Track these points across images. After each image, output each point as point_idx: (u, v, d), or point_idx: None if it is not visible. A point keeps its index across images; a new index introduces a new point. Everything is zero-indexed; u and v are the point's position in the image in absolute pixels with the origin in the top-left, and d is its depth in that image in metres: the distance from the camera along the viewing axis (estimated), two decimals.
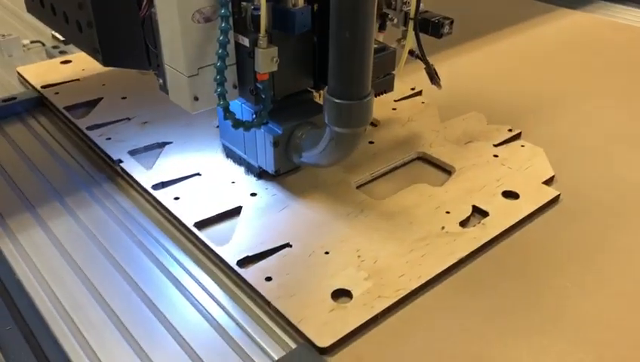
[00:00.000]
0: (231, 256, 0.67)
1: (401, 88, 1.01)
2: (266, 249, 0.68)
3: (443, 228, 0.71)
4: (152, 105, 0.95)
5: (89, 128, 0.90)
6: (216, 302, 0.63)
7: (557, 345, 0.58)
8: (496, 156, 0.84)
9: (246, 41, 0.66)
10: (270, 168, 0.77)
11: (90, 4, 0.68)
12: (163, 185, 0.78)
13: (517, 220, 0.72)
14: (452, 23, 0.79)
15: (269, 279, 0.64)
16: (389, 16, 0.79)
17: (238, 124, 0.70)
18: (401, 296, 0.62)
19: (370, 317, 0.60)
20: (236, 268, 0.65)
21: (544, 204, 0.75)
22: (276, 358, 0.57)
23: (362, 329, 0.59)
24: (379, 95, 0.80)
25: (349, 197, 0.76)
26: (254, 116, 0.72)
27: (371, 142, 0.87)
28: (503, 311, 0.62)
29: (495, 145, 0.86)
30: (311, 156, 0.74)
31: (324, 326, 0.58)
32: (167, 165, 0.82)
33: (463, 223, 0.72)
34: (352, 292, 0.62)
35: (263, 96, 0.69)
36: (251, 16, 0.65)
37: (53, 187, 0.81)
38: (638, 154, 0.87)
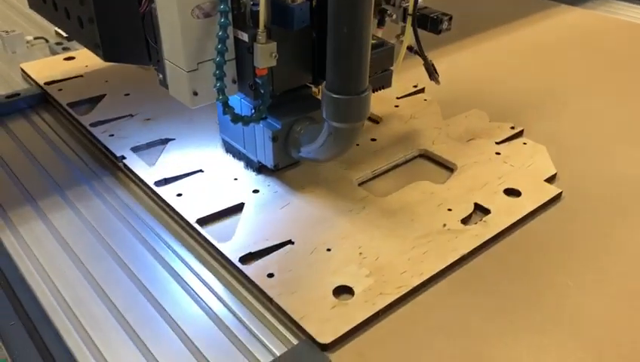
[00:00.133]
0: (233, 252, 0.67)
1: (404, 85, 1.01)
2: (268, 246, 0.68)
3: (445, 225, 0.71)
4: (155, 101, 0.95)
5: (92, 125, 0.91)
6: (218, 298, 0.64)
7: (558, 344, 0.58)
8: (498, 154, 0.84)
9: (245, 37, 0.66)
10: (269, 163, 0.77)
11: (92, 0, 0.69)
12: (165, 181, 0.79)
13: (519, 218, 0.72)
14: (451, 19, 0.79)
15: (271, 276, 0.64)
16: (388, 12, 0.79)
17: (236, 118, 0.70)
18: (403, 292, 0.62)
19: (371, 314, 0.60)
20: (238, 264, 0.65)
21: (546, 202, 0.75)
22: (278, 354, 0.57)
23: (364, 325, 0.59)
24: (377, 90, 0.80)
25: (351, 194, 0.76)
26: (253, 111, 0.73)
27: (373, 140, 0.87)
28: (504, 309, 0.62)
29: (497, 143, 0.86)
30: (309, 151, 0.74)
31: (325, 322, 0.59)
32: (169, 162, 0.82)
33: (465, 221, 0.72)
34: (354, 289, 0.62)
35: (262, 92, 0.70)
36: (250, 12, 0.66)
37: (57, 183, 0.81)
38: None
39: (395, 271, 0.64)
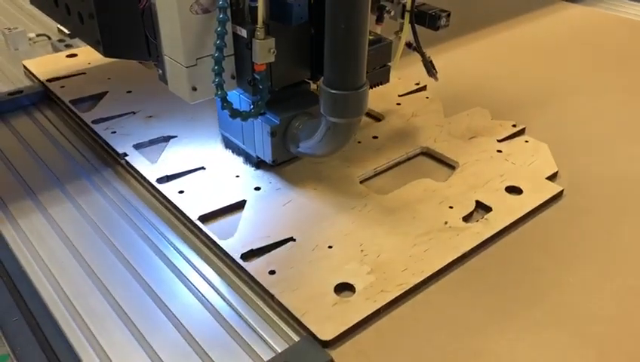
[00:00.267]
0: (235, 249, 0.67)
1: (406, 83, 1.01)
2: (270, 243, 0.68)
3: (446, 223, 0.71)
4: (157, 99, 0.95)
5: (94, 122, 0.91)
6: (219, 294, 0.64)
7: (559, 341, 0.58)
8: (500, 151, 0.84)
9: (244, 32, 0.66)
10: (268, 158, 0.78)
11: None
12: (168, 178, 0.79)
13: (520, 216, 0.72)
14: (449, 15, 0.80)
15: (272, 272, 0.64)
16: (387, 8, 0.79)
17: (235, 114, 0.70)
18: (404, 290, 0.62)
19: (372, 311, 0.60)
20: (240, 261, 0.66)
21: (548, 200, 0.75)
22: (279, 351, 0.57)
23: (365, 322, 0.60)
24: (375, 86, 0.80)
25: (353, 191, 0.76)
26: (252, 106, 0.73)
27: (375, 137, 0.87)
28: (506, 307, 0.62)
29: (499, 141, 0.86)
30: (308, 146, 0.74)
31: (327, 319, 0.59)
32: (171, 159, 0.82)
33: (466, 218, 0.72)
34: (355, 286, 0.62)
35: (261, 87, 0.70)
36: (249, 8, 0.66)
37: (59, 180, 0.81)
38: None
39: (396, 269, 0.64)
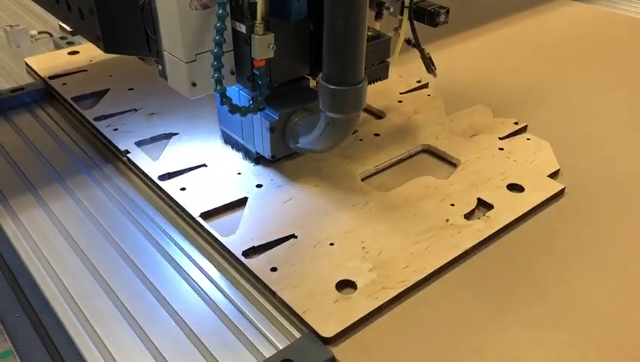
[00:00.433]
0: (236, 246, 0.67)
1: (407, 81, 1.01)
2: (272, 240, 0.68)
3: (447, 220, 0.71)
4: (159, 96, 0.95)
5: (96, 119, 0.91)
6: (221, 291, 0.64)
7: (560, 338, 0.58)
8: (501, 149, 0.84)
9: (243, 28, 0.67)
10: (267, 153, 0.78)
11: None
12: (169, 175, 0.79)
13: (522, 213, 0.72)
14: (448, 11, 0.80)
15: (274, 269, 0.64)
16: (386, 4, 0.79)
17: (234, 109, 0.70)
18: (405, 287, 0.62)
19: (374, 308, 0.60)
20: (242, 258, 0.66)
21: (549, 198, 0.75)
22: (281, 347, 0.57)
23: (366, 319, 0.60)
24: (373, 82, 0.80)
25: (355, 188, 0.76)
26: (251, 102, 0.73)
27: (377, 135, 0.87)
28: (507, 304, 0.62)
29: (501, 138, 0.86)
30: (307, 142, 0.74)
31: (328, 316, 0.59)
32: (173, 156, 0.82)
33: (468, 216, 0.72)
34: (357, 283, 0.62)
35: (260, 83, 0.70)
36: (248, 4, 0.66)
37: (61, 177, 0.81)
38: None
39: (397, 266, 0.64)
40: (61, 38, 1.19)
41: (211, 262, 0.68)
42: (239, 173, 0.79)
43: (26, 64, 1.09)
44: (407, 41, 0.83)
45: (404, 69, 0.98)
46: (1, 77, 1.07)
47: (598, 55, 1.16)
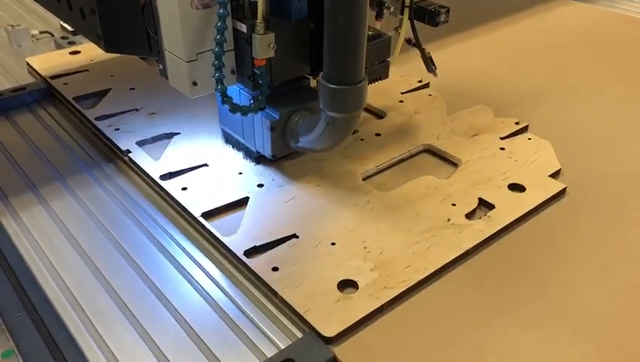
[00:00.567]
0: (238, 246, 0.67)
1: (408, 80, 1.01)
2: (273, 239, 0.68)
3: (449, 220, 0.71)
4: (160, 96, 0.95)
5: (97, 119, 0.91)
6: (222, 291, 0.64)
7: (561, 338, 0.59)
8: (502, 149, 0.84)
9: (243, 28, 0.67)
10: (267, 153, 0.78)
11: None
12: (171, 175, 0.79)
13: (523, 213, 0.72)
14: (448, 11, 0.80)
15: (275, 269, 0.64)
16: (386, 4, 0.79)
17: (235, 108, 0.70)
18: (407, 286, 0.62)
19: (375, 307, 0.60)
20: (243, 258, 0.66)
21: (550, 197, 0.75)
22: (282, 347, 0.57)
23: (368, 319, 0.60)
24: (374, 82, 0.80)
25: (356, 188, 0.77)
26: (252, 101, 0.73)
27: (378, 135, 0.87)
28: (508, 303, 0.62)
29: (502, 138, 0.86)
30: (307, 141, 0.75)
31: (330, 316, 0.59)
32: (174, 156, 0.83)
33: (469, 215, 0.72)
34: (358, 282, 0.63)
35: (261, 82, 0.70)
36: (249, 3, 0.66)
37: (62, 176, 0.82)
38: None
39: (399, 266, 0.65)
40: (62, 37, 1.19)
41: (212, 262, 0.68)
42: (240, 173, 0.79)
43: (28, 64, 1.09)
44: (408, 41, 0.83)
45: (405, 69, 0.98)
46: (2, 77, 1.08)
47: (599, 55, 1.16)
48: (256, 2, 0.64)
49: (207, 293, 0.64)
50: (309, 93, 0.78)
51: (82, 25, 0.76)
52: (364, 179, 0.79)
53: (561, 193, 0.77)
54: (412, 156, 0.85)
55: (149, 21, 0.70)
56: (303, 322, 0.59)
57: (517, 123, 0.90)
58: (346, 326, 0.58)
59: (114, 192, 0.79)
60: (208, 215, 0.72)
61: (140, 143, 0.86)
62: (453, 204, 0.73)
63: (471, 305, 0.62)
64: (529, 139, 0.86)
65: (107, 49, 0.73)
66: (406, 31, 0.81)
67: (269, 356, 0.57)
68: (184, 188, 0.76)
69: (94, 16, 0.71)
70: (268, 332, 0.59)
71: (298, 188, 0.76)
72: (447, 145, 0.85)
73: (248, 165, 0.81)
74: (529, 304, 0.62)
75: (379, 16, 0.80)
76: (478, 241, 0.68)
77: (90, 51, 1.10)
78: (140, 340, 0.59)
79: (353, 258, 0.66)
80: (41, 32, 1.22)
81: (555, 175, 0.80)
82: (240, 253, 0.66)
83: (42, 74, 1.04)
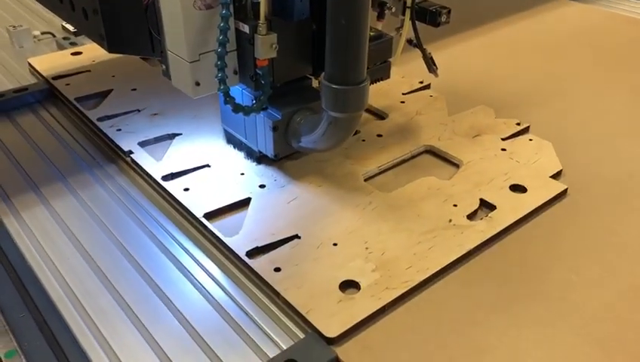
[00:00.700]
0: (240, 246, 0.67)
1: (410, 81, 1.01)
2: (275, 240, 0.68)
3: (450, 220, 0.71)
4: (162, 97, 0.96)
5: (99, 119, 0.91)
6: (225, 292, 0.64)
7: (563, 339, 0.59)
8: (504, 150, 0.84)
9: (246, 28, 0.67)
10: (269, 152, 0.78)
11: None
12: (173, 176, 0.79)
13: (524, 214, 0.72)
14: (449, 12, 0.81)
15: (277, 270, 0.64)
16: (388, 5, 0.80)
17: (237, 108, 0.71)
18: (409, 287, 0.62)
19: (377, 308, 0.60)
20: (245, 258, 0.66)
21: (552, 198, 0.75)
22: (284, 347, 0.58)
23: (370, 320, 0.60)
24: (376, 82, 0.81)
25: (357, 189, 0.77)
26: (254, 101, 0.73)
27: (379, 135, 0.88)
28: (509, 304, 0.62)
29: (503, 139, 0.86)
30: (309, 141, 0.75)
31: (332, 316, 0.59)
32: (176, 156, 0.83)
33: (471, 216, 0.72)
34: (360, 283, 0.63)
35: (263, 82, 0.70)
36: (251, 4, 0.67)
37: (64, 177, 0.82)
38: None
39: (400, 266, 0.65)
40: (64, 38, 1.19)
41: (215, 262, 0.68)
42: (242, 174, 0.79)
43: (29, 64, 1.09)
44: (409, 41, 0.83)
45: (406, 69, 0.98)
46: (4, 77, 1.08)
47: (599, 55, 1.16)
48: (259, 3, 0.65)
49: (210, 294, 0.64)
50: (311, 94, 0.78)
51: (85, 25, 0.76)
52: (365, 180, 0.79)
53: (563, 194, 0.77)
54: (413, 157, 0.85)
55: (151, 21, 0.70)
56: (305, 322, 0.59)
57: (518, 124, 0.90)
58: (348, 327, 0.58)
59: (116, 193, 0.79)
60: (210, 215, 0.72)
61: (142, 144, 0.86)
62: (455, 205, 0.73)
63: (472, 306, 0.62)
64: (530, 139, 0.86)
65: (110, 49, 0.73)
66: (407, 31, 0.81)
67: (271, 356, 0.57)
68: (186, 189, 0.76)
69: (97, 17, 0.71)
70: (270, 333, 0.60)
71: (300, 189, 0.76)
72: (448, 146, 0.85)
73: (250, 166, 0.81)
74: (530, 304, 0.62)
75: (380, 16, 0.81)
76: (479, 242, 0.68)
77: (91, 52, 1.10)
78: (143, 340, 0.59)
79: (355, 258, 0.66)
80: (42, 33, 1.23)
81: (556, 176, 0.80)
82: (242, 254, 0.66)
83: (44, 74, 1.04)
